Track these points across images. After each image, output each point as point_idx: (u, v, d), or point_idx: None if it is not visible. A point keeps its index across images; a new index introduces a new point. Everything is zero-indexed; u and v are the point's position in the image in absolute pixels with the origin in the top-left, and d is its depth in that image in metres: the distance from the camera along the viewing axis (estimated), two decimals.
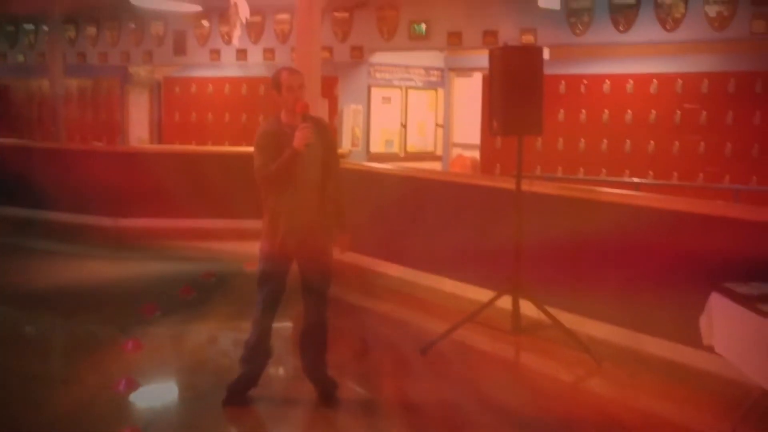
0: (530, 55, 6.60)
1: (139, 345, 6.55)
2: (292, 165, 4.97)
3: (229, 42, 12.62)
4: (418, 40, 12.95)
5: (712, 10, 10.63)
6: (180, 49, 15.67)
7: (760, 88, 10.59)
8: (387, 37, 13.24)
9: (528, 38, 11.79)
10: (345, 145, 13.46)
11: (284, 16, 14.23)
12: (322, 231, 5.26)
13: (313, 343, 5.35)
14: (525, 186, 6.66)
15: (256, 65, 14.78)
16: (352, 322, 7.47)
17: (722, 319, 4.86)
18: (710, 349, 5.14)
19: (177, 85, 16.30)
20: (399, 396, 5.70)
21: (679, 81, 11.17)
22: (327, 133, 5.38)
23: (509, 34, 11.83)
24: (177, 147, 14.38)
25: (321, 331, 5.34)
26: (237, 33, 11.72)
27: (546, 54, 9.57)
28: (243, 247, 9.67)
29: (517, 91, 6.40)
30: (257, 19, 14.10)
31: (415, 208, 9.03)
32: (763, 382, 4.44)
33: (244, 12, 11.45)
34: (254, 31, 14.45)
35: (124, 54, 16.50)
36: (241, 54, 14.74)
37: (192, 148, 14.21)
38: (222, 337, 7.17)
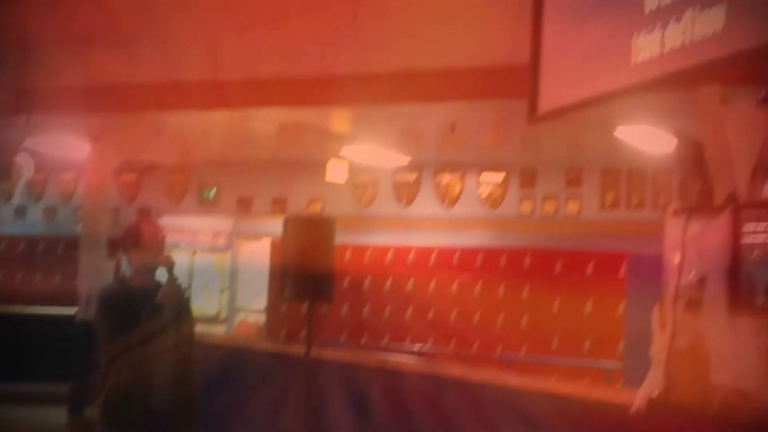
0: (323, 224, 6.87)
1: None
2: None
3: (9, 198, 12.20)
4: (207, 205, 13.04)
5: (485, 191, 11.47)
6: None
7: (528, 263, 11.35)
8: (176, 201, 13.25)
9: (315, 207, 12.17)
10: None
11: (69, 175, 13.96)
12: None
13: None
14: (314, 352, 6.75)
15: (35, 223, 14.29)
16: None
17: None
18: None
19: None
20: None
21: (457, 254, 11.78)
22: None
23: (297, 202, 12.15)
24: None
25: None
26: (19, 191, 11.37)
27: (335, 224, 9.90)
28: None
29: (309, 258, 6.60)
30: (40, 177, 13.75)
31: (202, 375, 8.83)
32: None
33: (28, 170, 11.16)
34: (36, 189, 14.06)
35: None
36: (20, 212, 14.24)
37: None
38: None
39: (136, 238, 4.56)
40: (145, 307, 4.33)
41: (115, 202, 12.98)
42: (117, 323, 4.34)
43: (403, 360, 7.88)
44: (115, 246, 4.61)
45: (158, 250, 4.58)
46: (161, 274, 4.56)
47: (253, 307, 14.26)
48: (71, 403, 10.44)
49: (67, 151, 11.34)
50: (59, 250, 13.96)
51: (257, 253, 14.42)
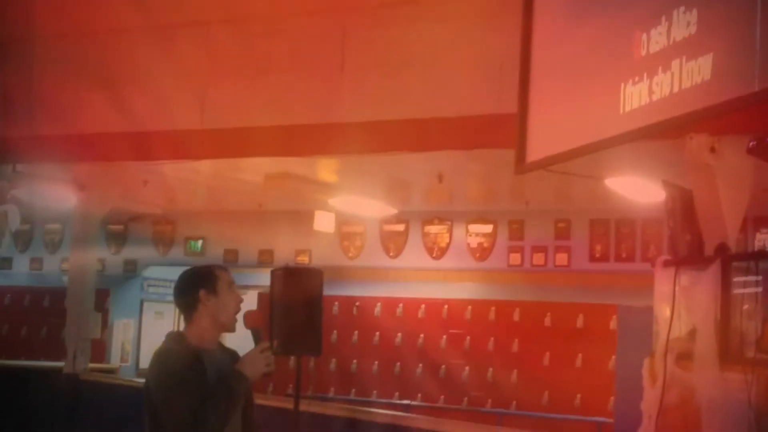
0: (311, 276, 6.78)
1: None
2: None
3: None
4: (193, 256, 12.96)
5: (473, 242, 11.44)
6: None
7: (518, 316, 11.29)
8: (162, 252, 13.18)
9: (303, 258, 12.11)
10: (114, 360, 12.96)
11: (55, 226, 13.88)
12: None
13: None
14: (303, 406, 6.63)
15: (21, 274, 14.17)
16: None
17: None
18: None
19: None
20: None
21: (446, 306, 11.72)
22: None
23: (284, 253, 12.09)
24: None
25: None
26: (5, 242, 11.27)
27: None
28: None
29: (298, 311, 6.50)
30: (26, 227, 13.66)
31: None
32: None
33: (14, 221, 11.07)
34: (22, 239, 13.96)
35: None
36: (5, 263, 14.13)
37: None
38: None
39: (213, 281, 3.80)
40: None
41: (101, 252, 12.90)
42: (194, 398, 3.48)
43: (393, 414, 7.77)
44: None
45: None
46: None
47: None
48: None
49: (53, 201, 11.28)
50: (46, 302, 13.83)
51: (244, 306, 14.30)
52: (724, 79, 3.11)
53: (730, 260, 4.76)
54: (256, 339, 3.81)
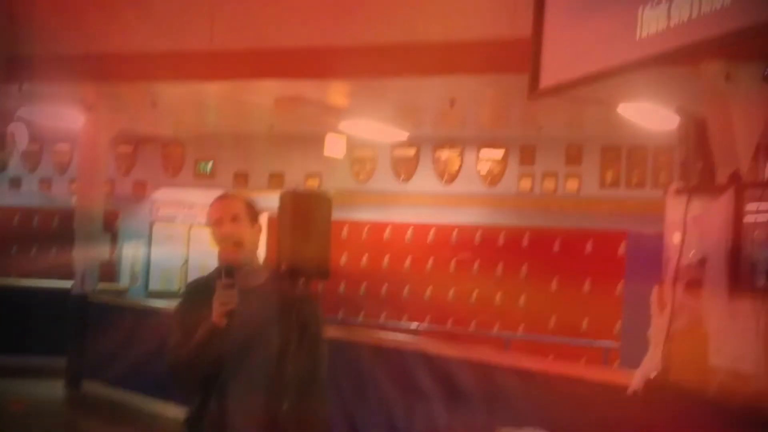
0: (320, 201, 6.76)
1: None
2: (207, 346, 3.15)
3: (3, 169, 12.10)
4: (203, 179, 12.95)
5: (484, 167, 11.39)
6: None
7: (527, 242, 11.30)
8: (172, 174, 13.17)
9: (313, 182, 12.09)
10: (124, 281, 13.07)
11: (64, 146, 13.85)
12: None
13: None
14: None
15: (30, 194, 14.20)
16: None
17: None
18: None
19: None
20: None
21: (455, 231, 11.73)
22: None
23: (295, 177, 12.06)
24: None
25: None
26: (13, 161, 11.28)
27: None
28: None
29: (306, 236, 6.50)
30: (35, 147, 13.64)
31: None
32: None
33: (22, 140, 11.06)
34: (30, 159, 13.96)
35: None
36: (15, 182, 14.15)
37: None
38: None
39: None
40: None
41: (110, 174, 12.91)
42: (182, 331, 3.29)
43: (400, 338, 7.83)
44: None
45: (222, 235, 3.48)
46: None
47: None
48: (68, 377, 10.42)
49: (61, 121, 11.24)
50: (55, 223, 13.88)
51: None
52: (743, 5, 3.04)
53: (743, 188, 4.71)
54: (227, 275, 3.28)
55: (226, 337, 3.16)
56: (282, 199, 6.93)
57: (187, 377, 3.28)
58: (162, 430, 8.54)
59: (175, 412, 8.93)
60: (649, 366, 5.05)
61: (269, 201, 6.97)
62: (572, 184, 10.97)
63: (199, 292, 3.32)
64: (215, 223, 3.44)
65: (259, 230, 3.59)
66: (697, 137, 5.19)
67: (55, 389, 10.19)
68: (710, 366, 4.66)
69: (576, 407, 5.43)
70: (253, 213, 3.55)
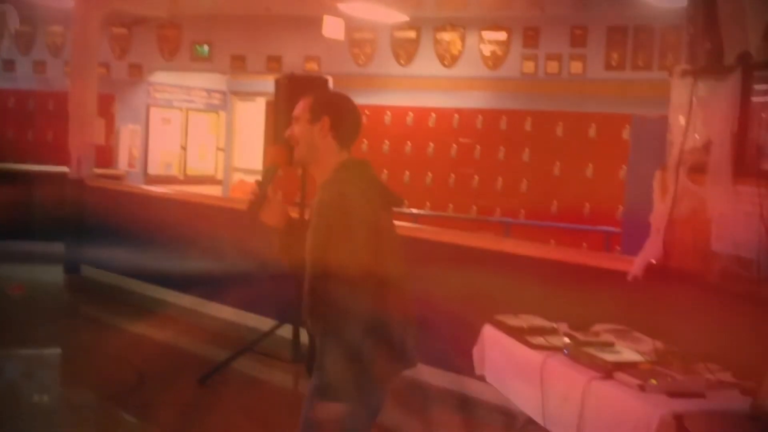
0: (316, 84, 6.60)
1: None
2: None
3: None
4: (200, 62, 12.72)
5: (486, 50, 11.13)
6: None
7: (529, 126, 11.13)
8: (168, 57, 12.92)
9: (312, 66, 11.86)
10: (122, 166, 12.98)
11: (57, 28, 13.55)
12: None
13: None
14: (308, 214, 6.62)
15: (25, 77, 13.99)
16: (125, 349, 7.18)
17: (493, 350, 4.99)
18: (482, 378, 5.27)
19: None
20: (181, 428, 5.52)
21: (456, 116, 11.56)
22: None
23: (293, 60, 11.84)
24: None
25: None
26: (5, 43, 11.03)
27: (329, 83, 9.69)
28: None
29: None
30: (27, 29, 13.35)
31: (193, 233, 8.78)
32: (528, 409, 4.59)
33: (13, 21, 10.79)
34: (24, 41, 13.68)
35: None
36: (9, 65, 13.91)
37: None
38: None
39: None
40: None
41: (105, 57, 12.67)
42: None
43: (401, 224, 7.76)
44: None
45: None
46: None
47: (249, 167, 14.14)
48: (67, 262, 10.44)
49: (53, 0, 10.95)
50: (50, 106, 13.71)
51: (253, 113, 14.19)
52: None
53: (752, 69, 4.54)
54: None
55: None
56: (278, 83, 6.78)
57: None
58: (161, 315, 8.59)
59: (174, 297, 8.97)
60: (651, 251, 4.99)
61: (267, 85, 6.84)
62: (576, 67, 10.72)
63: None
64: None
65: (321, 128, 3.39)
66: (705, 15, 4.98)
67: (54, 274, 10.23)
68: (712, 252, 4.59)
69: (576, 293, 5.40)
70: (316, 111, 3.40)
